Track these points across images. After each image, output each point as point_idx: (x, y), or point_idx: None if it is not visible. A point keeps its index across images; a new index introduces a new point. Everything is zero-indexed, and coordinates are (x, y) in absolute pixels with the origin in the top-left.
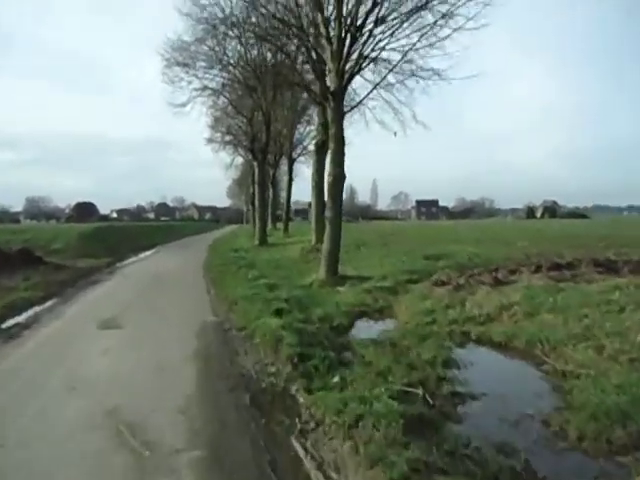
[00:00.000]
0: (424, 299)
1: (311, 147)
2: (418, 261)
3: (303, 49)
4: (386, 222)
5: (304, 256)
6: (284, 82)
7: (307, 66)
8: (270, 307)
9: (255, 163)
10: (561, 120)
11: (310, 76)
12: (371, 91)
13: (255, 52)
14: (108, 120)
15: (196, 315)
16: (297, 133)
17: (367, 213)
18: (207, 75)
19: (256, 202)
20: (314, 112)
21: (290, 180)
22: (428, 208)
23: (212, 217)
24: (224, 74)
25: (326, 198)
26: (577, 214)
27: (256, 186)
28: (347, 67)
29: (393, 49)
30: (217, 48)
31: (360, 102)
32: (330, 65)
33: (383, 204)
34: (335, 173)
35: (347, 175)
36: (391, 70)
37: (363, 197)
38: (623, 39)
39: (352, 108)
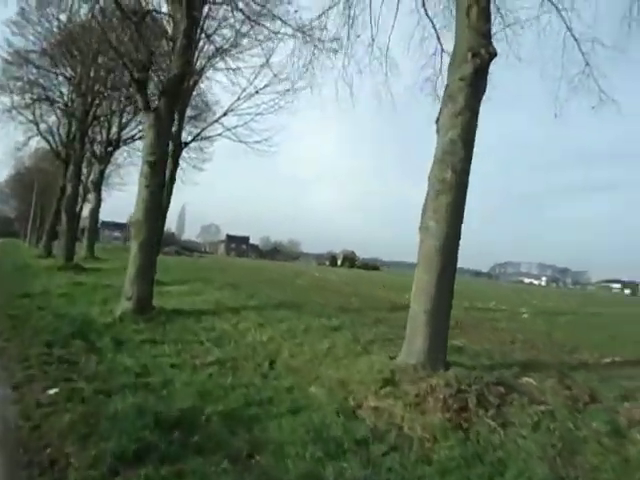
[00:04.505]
0: None
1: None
2: None
3: None
4: (239, 260)
5: None
6: None
7: None
8: None
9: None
10: (357, 177)
11: None
12: None
13: None
14: None
15: None
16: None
17: (172, 242)
18: None
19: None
20: None
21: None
22: (238, 244)
23: None
24: None
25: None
26: (370, 266)
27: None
28: None
29: None
30: None
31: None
32: None
33: (191, 234)
34: None
35: None
36: None
37: (168, 224)
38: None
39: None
